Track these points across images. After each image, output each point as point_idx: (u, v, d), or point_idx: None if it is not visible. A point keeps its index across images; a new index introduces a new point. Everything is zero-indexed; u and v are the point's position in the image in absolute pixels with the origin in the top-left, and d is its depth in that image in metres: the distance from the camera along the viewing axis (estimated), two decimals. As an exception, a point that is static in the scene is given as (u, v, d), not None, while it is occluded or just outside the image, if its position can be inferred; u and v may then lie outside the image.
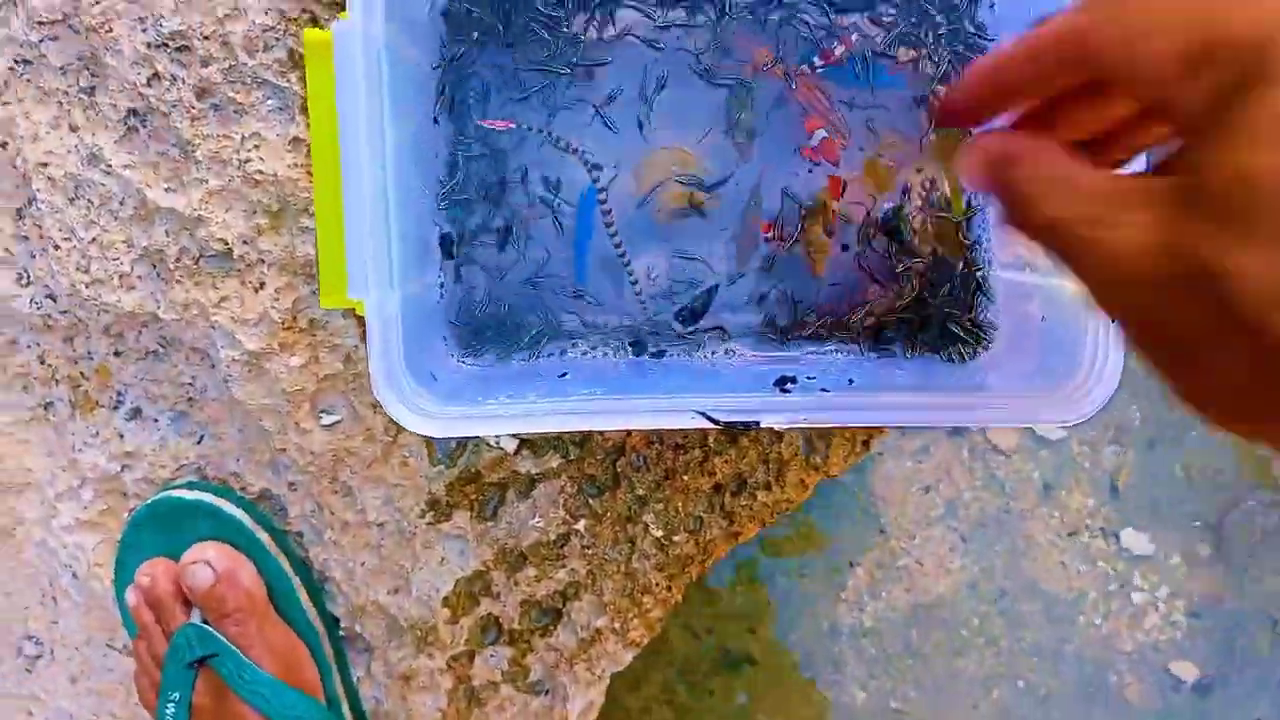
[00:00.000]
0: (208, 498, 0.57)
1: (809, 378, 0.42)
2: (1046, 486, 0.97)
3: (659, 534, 0.56)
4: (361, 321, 0.53)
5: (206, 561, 0.55)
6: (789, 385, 0.41)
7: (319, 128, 0.36)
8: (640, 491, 0.55)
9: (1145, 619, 1.01)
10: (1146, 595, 1.01)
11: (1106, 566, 0.99)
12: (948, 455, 0.94)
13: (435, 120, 0.47)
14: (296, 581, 0.58)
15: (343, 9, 0.50)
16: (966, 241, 0.48)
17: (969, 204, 0.48)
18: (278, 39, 0.51)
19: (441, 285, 0.48)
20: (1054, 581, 0.98)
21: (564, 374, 0.46)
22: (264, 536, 0.57)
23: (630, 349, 0.48)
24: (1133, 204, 0.26)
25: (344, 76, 0.36)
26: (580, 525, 0.56)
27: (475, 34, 0.47)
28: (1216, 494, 0.96)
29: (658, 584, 0.57)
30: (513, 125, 0.47)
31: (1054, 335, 0.42)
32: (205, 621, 0.55)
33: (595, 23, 0.47)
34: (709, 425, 0.38)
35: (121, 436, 0.59)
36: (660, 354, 0.48)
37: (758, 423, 0.38)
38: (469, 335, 0.49)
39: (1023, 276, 0.46)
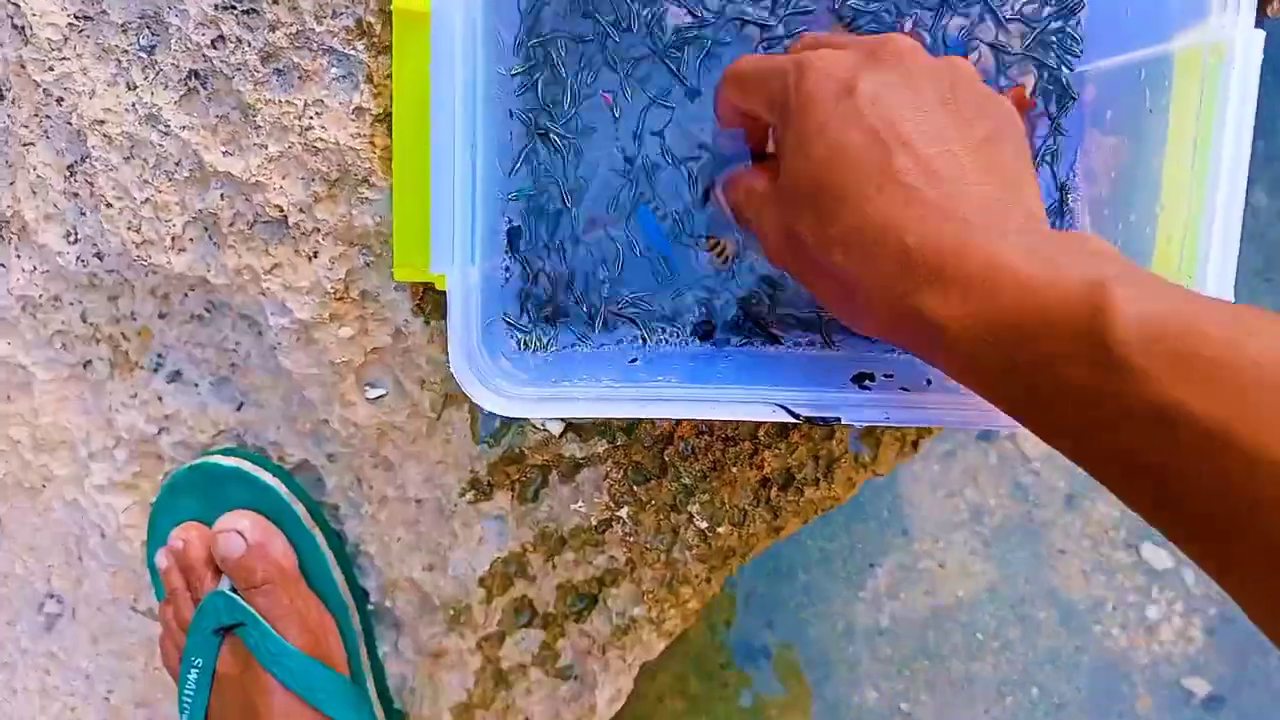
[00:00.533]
0: (245, 465, 0.57)
1: (886, 375, 0.41)
2: (1070, 496, 0.96)
3: (703, 525, 0.55)
4: (418, 295, 0.52)
5: (239, 531, 0.55)
6: (868, 382, 0.41)
7: (404, 97, 0.35)
8: (687, 481, 0.55)
9: (1160, 632, 1.01)
10: (1163, 609, 1.01)
11: (1125, 579, 0.99)
12: (975, 461, 0.93)
13: (510, 114, 0.46)
14: (329, 556, 0.58)
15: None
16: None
17: None
18: (347, 6, 0.50)
19: (507, 269, 0.47)
20: (1073, 591, 0.98)
21: (634, 359, 0.45)
22: (299, 508, 0.57)
23: (703, 337, 0.48)
24: (769, 200, 0.42)
25: (440, 48, 0.35)
26: (623, 512, 0.55)
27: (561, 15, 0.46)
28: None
29: (698, 575, 0.57)
30: (609, 99, 0.47)
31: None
32: (234, 590, 0.55)
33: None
34: (790, 419, 0.38)
35: (160, 399, 0.59)
36: (730, 342, 0.48)
37: (839, 419, 0.38)
38: (536, 318, 0.48)
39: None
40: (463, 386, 0.38)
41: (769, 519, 0.56)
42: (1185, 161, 0.38)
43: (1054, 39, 0.46)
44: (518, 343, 0.46)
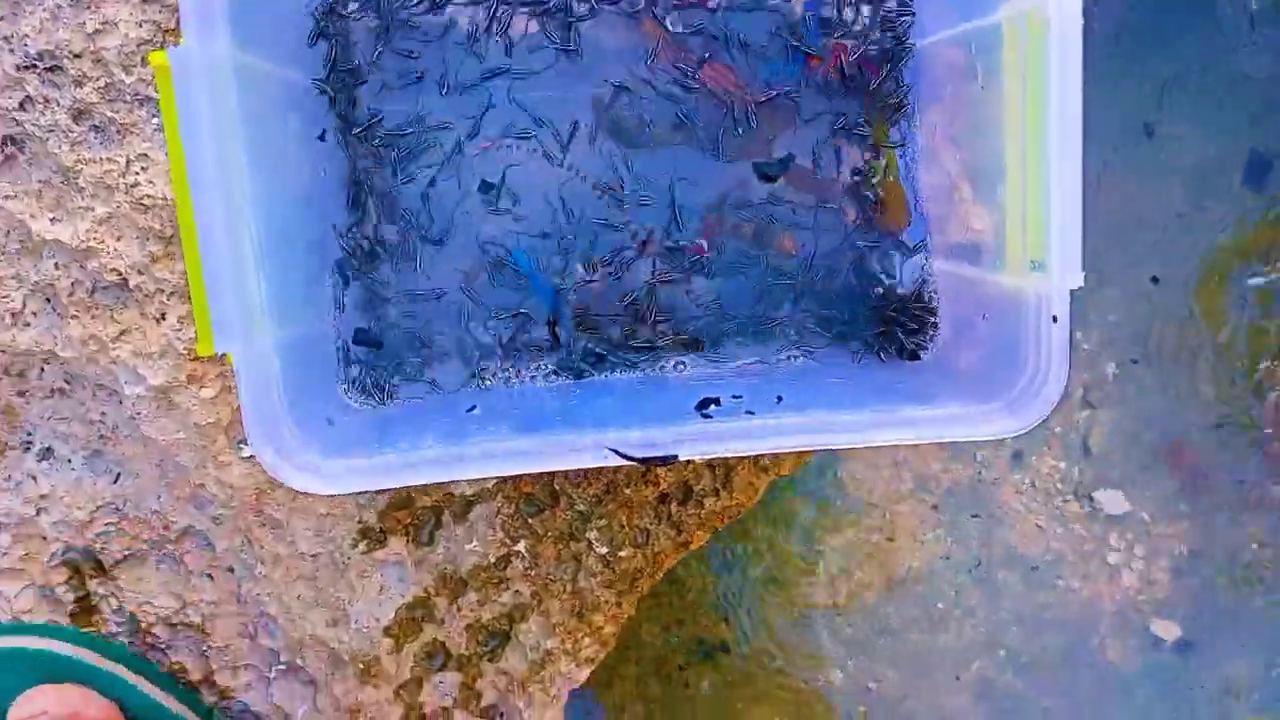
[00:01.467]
0: (28, 642, 0.53)
1: (735, 396, 0.39)
2: (1016, 454, 0.95)
3: (604, 550, 0.53)
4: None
5: (44, 712, 0.51)
6: (711, 408, 0.39)
7: (176, 165, 0.33)
8: (581, 508, 0.53)
9: (1123, 579, 1.00)
10: (1123, 555, 1.00)
11: (1081, 529, 0.98)
12: (915, 428, 0.92)
13: (321, 137, 0.43)
14: (141, 684, 0.54)
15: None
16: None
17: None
18: (156, 49, 0.47)
19: (336, 318, 0.45)
20: (1030, 547, 0.97)
21: (472, 407, 0.43)
22: (86, 654, 0.53)
23: (554, 372, 0.45)
24: None
25: (186, 109, 0.32)
26: (520, 546, 0.53)
27: (356, 45, 0.43)
28: (1189, 448, 0.94)
29: (607, 601, 0.55)
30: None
31: (997, 336, 0.40)
32: None
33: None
34: (623, 462, 0.35)
35: (34, 479, 0.56)
36: (586, 373, 0.45)
37: (675, 456, 0.36)
38: (372, 365, 0.46)
39: (963, 270, 0.43)
40: (267, 469, 0.35)
41: (673, 535, 0.54)
42: (1018, 137, 0.35)
43: (893, 16, 0.44)
44: (353, 399, 0.44)
